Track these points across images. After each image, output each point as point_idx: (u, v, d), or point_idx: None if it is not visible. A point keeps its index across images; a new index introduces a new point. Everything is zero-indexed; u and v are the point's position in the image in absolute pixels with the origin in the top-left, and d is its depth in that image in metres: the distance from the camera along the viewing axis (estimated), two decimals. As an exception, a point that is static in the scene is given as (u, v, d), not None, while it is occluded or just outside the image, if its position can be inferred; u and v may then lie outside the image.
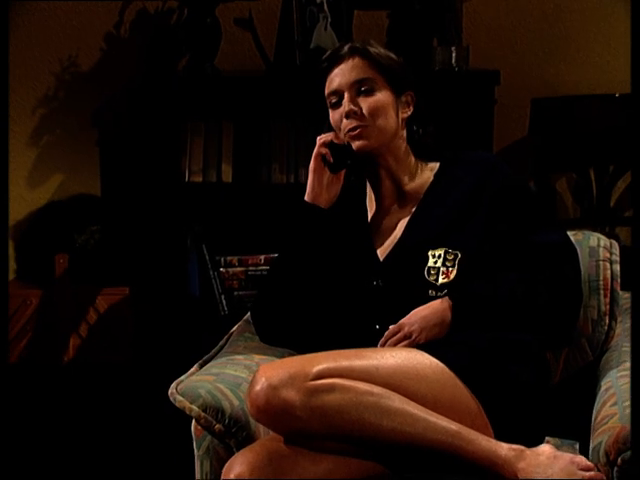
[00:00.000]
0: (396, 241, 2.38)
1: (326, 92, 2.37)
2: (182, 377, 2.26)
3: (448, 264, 2.29)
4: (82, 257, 3.38)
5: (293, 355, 2.37)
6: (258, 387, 2.01)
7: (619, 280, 2.48)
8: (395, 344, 2.23)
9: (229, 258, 3.51)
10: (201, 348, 3.32)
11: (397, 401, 2.03)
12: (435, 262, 2.30)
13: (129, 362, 3.42)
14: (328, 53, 2.40)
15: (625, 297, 2.51)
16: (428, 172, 2.43)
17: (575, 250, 2.33)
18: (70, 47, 3.59)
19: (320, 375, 2.02)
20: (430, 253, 2.31)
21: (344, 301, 2.36)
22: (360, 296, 2.35)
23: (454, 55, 3.54)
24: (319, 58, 3.52)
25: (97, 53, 3.61)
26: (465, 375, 2.13)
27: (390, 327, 2.26)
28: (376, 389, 2.03)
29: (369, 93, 2.33)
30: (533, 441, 2.13)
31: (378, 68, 2.33)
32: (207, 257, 3.47)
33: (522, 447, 2.06)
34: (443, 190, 2.38)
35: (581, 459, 2.01)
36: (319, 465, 2.02)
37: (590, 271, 2.47)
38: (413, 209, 2.39)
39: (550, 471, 2.00)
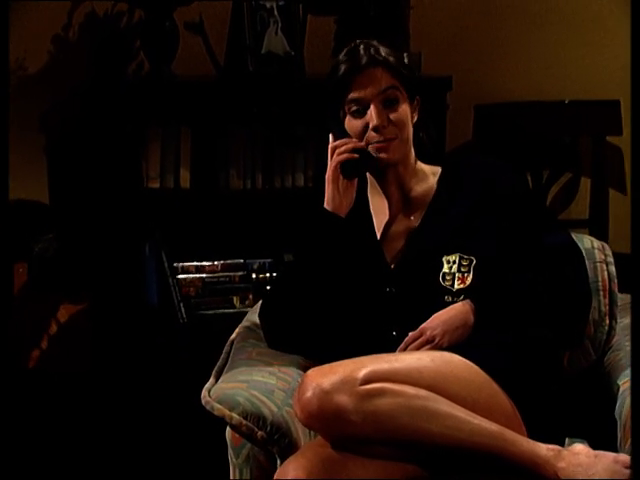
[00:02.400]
0: (407, 247, 2.39)
1: (347, 98, 2.34)
2: (208, 385, 2.22)
3: (463, 269, 2.31)
4: (41, 266, 3.28)
5: (307, 361, 2.37)
6: (309, 393, 1.99)
7: (616, 281, 2.55)
8: (417, 349, 2.24)
9: (186, 265, 3.46)
10: (158, 355, 3.33)
11: (444, 404, 2.05)
12: (450, 268, 2.32)
13: (89, 372, 3.33)
14: (345, 64, 2.34)
15: (620, 297, 2.58)
16: (432, 177, 2.45)
17: (581, 251, 2.39)
18: (17, 50, 3.48)
19: (368, 379, 2.02)
20: (445, 259, 2.33)
21: (358, 308, 2.36)
22: (373, 303, 2.35)
23: (406, 62, 3.56)
24: (271, 63, 3.61)
25: (45, 56, 3.51)
26: (499, 376, 2.15)
27: (410, 333, 2.27)
28: (423, 392, 2.04)
29: (394, 104, 2.32)
30: (557, 440, 2.18)
31: (399, 78, 2.33)
32: (166, 264, 3.41)
33: (559, 447, 2.09)
34: (450, 195, 2.40)
35: (625, 457, 2.04)
36: (367, 469, 2.02)
37: (589, 273, 2.53)
38: (421, 215, 2.41)
39: (592, 470, 2.04)
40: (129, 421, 3.34)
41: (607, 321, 2.52)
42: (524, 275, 2.30)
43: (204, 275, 3.48)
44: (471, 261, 2.32)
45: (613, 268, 2.57)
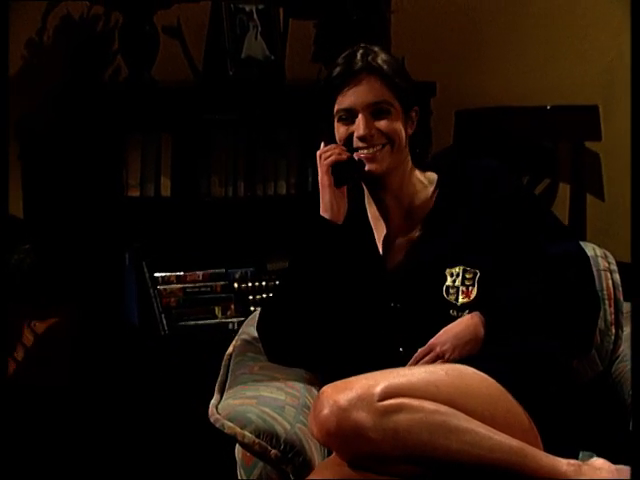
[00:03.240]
0: (408, 259, 2.32)
1: (336, 108, 2.26)
2: (214, 402, 2.14)
3: (467, 283, 2.25)
4: (17, 277, 3.17)
5: (311, 375, 2.30)
6: (327, 410, 1.92)
7: (621, 289, 2.51)
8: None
9: (167, 275, 3.38)
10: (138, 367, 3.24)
11: (463, 420, 1.98)
12: (454, 281, 2.26)
13: (67, 385, 3.23)
14: (340, 67, 2.27)
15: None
16: (429, 185, 2.38)
17: (588, 258, 2.34)
18: (-11, 54, 3.37)
19: (386, 395, 1.95)
20: (448, 272, 2.27)
21: (361, 322, 2.30)
22: (378, 318, 2.29)
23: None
24: (251, 68, 3.54)
25: (18, 61, 3.40)
26: (514, 388, 2.10)
27: (420, 349, 2.21)
28: (442, 408, 1.98)
29: (384, 115, 2.24)
30: (572, 453, 2.13)
31: (393, 88, 2.25)
32: (147, 275, 3.32)
33: (579, 462, 2.04)
34: (450, 206, 2.34)
35: (647, 470, 2.00)
36: (386, 488, 1.96)
37: (593, 281, 2.49)
38: (421, 227, 2.34)
39: (615, 485, 2.00)
40: (107, 435, 3.24)
41: (613, 330, 2.48)
42: (534, 284, 2.24)
43: (185, 285, 3.40)
44: (475, 274, 2.26)
45: (617, 276, 2.53)
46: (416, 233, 2.33)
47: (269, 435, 1.99)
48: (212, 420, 2.05)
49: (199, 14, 3.56)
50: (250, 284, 3.45)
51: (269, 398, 2.12)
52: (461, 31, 3.92)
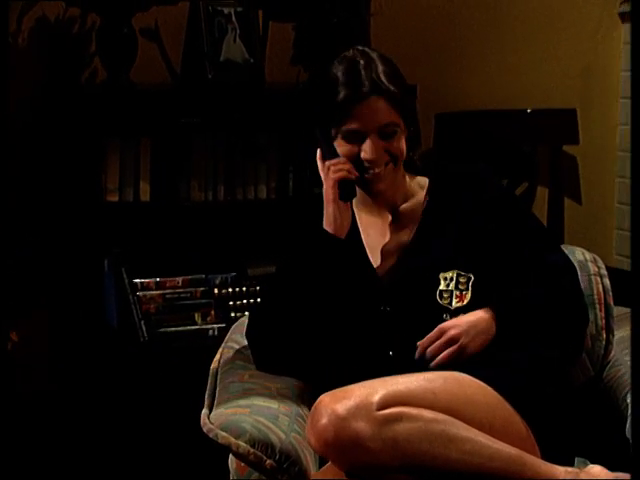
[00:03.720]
0: (400, 264, 2.29)
1: (342, 128, 2.21)
2: (205, 411, 2.10)
3: (461, 287, 2.23)
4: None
5: (301, 383, 2.26)
6: (325, 420, 1.89)
7: (611, 294, 2.50)
8: (439, 350, 2.13)
9: (146, 281, 3.33)
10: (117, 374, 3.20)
11: (462, 429, 1.96)
12: (447, 285, 2.24)
13: (47, 390, 3.18)
14: (346, 90, 2.19)
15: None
16: (419, 190, 2.36)
17: (575, 267, 2.34)
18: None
19: (385, 403, 1.93)
20: (442, 276, 2.24)
21: (351, 327, 2.26)
22: (368, 322, 2.25)
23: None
24: (230, 71, 3.49)
25: (-7, 63, 3.34)
26: (512, 396, 2.07)
27: (427, 336, 2.15)
28: (441, 416, 1.96)
29: (392, 137, 2.21)
30: (568, 460, 2.11)
31: (400, 109, 2.22)
32: (126, 281, 3.27)
33: (576, 469, 2.03)
34: (441, 210, 2.32)
35: (647, 478, 1.98)
36: (382, 499, 1.92)
37: (583, 286, 2.47)
38: (413, 230, 2.31)
39: (612, 493, 1.98)
40: (87, 441, 3.19)
41: (604, 335, 2.46)
42: (538, 291, 2.22)
43: (164, 291, 3.35)
44: (469, 278, 2.23)
45: (607, 280, 2.51)
46: (407, 237, 2.30)
47: (264, 445, 1.96)
48: (205, 430, 2.01)
49: (177, 16, 3.51)
50: (230, 290, 3.40)
51: (262, 407, 2.08)
52: (441, 34, 3.90)
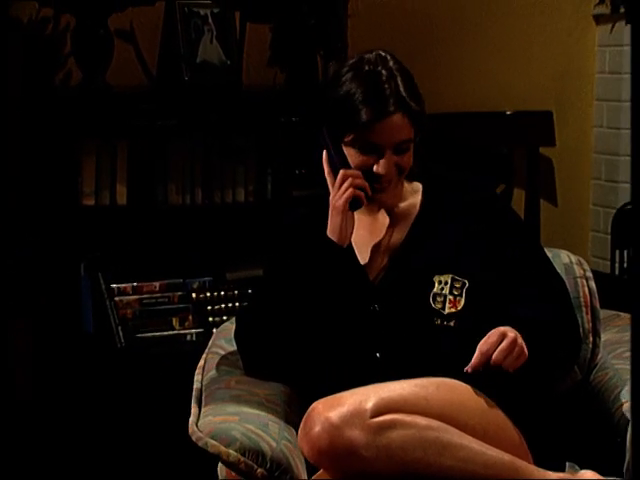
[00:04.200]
0: (392, 264, 2.26)
1: (360, 139, 2.16)
2: (193, 419, 2.06)
3: (455, 292, 2.20)
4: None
5: (288, 388, 2.23)
6: (318, 428, 1.86)
7: (597, 296, 2.48)
8: (506, 353, 2.04)
9: (123, 286, 3.28)
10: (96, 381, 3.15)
11: (456, 435, 1.94)
12: (442, 289, 2.20)
13: (29, 399, 3.13)
14: (371, 107, 2.13)
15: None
16: (414, 193, 2.33)
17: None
18: None
19: (378, 410, 1.90)
20: (436, 279, 2.21)
21: (339, 327, 2.23)
22: (356, 322, 2.22)
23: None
24: (206, 73, 3.45)
25: (-35, 65, 3.28)
26: (507, 404, 2.05)
27: (485, 342, 2.05)
28: (434, 423, 1.93)
29: (405, 152, 2.19)
30: (559, 465, 2.10)
31: (416, 125, 2.19)
32: (103, 286, 3.23)
33: (568, 475, 2.01)
34: (436, 213, 2.29)
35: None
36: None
37: (570, 289, 2.45)
38: (405, 231, 2.29)
39: (604, 497, 1.97)
40: (67, 448, 3.15)
41: (591, 338, 2.44)
42: (556, 305, 2.21)
43: (141, 296, 3.30)
44: (464, 284, 2.20)
45: (593, 283, 2.49)
46: (399, 237, 2.27)
47: (255, 453, 1.92)
48: (194, 438, 1.97)
49: (152, 18, 3.47)
50: (208, 294, 3.36)
51: (251, 414, 2.04)
52: (417, 37, 3.89)
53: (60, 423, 3.14)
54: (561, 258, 2.52)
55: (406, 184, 2.32)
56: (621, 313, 2.64)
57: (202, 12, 3.48)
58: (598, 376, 2.40)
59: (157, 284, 3.32)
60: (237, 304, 3.37)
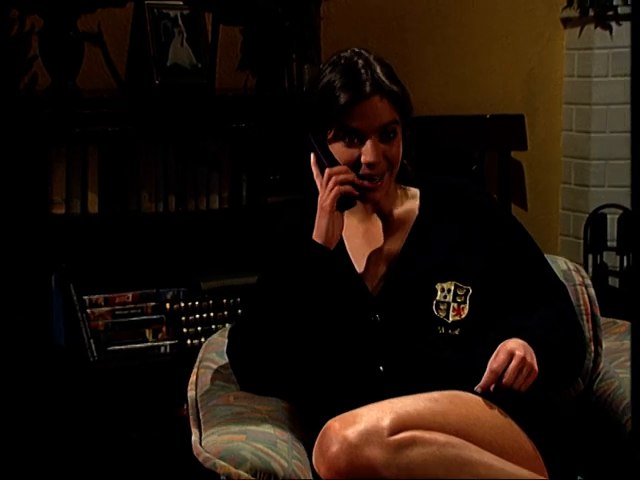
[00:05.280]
0: (390, 272, 2.18)
1: (343, 126, 2.09)
2: (195, 438, 1.96)
3: (459, 300, 2.13)
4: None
5: (287, 403, 2.14)
6: (336, 447, 1.78)
7: (597, 304, 2.43)
8: (516, 374, 1.96)
9: (94, 297, 3.17)
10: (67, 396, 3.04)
11: (474, 452, 1.86)
12: (445, 296, 2.13)
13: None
14: (348, 92, 2.08)
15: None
16: (411, 199, 2.26)
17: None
18: None
19: (396, 428, 1.82)
20: (439, 286, 2.14)
21: (339, 340, 2.15)
22: (356, 334, 2.14)
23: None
24: (177, 76, 3.35)
25: None
26: (522, 417, 1.98)
27: (495, 360, 1.98)
28: (453, 439, 1.86)
29: (391, 139, 2.11)
30: (571, 479, 2.04)
31: (399, 109, 2.12)
32: (75, 298, 3.11)
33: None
34: (434, 220, 2.21)
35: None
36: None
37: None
38: (403, 238, 2.21)
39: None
40: (37, 463, 3.03)
41: (592, 347, 2.38)
42: (560, 312, 2.15)
43: (114, 307, 3.19)
44: (467, 291, 2.13)
45: (592, 290, 2.44)
46: (398, 245, 2.20)
47: (266, 474, 1.84)
48: (201, 459, 1.88)
49: (121, 19, 3.37)
50: (183, 304, 3.26)
51: (258, 432, 1.95)
52: (387, 41, 3.82)
53: (31, 439, 3.02)
54: (559, 265, 2.46)
55: (400, 189, 2.24)
56: (617, 320, 2.59)
57: (172, 14, 3.38)
58: (602, 386, 2.34)
59: (130, 295, 3.21)
60: (212, 314, 3.28)
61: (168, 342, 3.23)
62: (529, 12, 4.13)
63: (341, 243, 2.20)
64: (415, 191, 2.27)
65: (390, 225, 2.23)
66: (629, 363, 2.25)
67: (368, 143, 2.08)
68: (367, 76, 2.09)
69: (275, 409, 2.09)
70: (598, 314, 2.42)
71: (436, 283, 2.14)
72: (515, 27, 4.10)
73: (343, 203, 2.12)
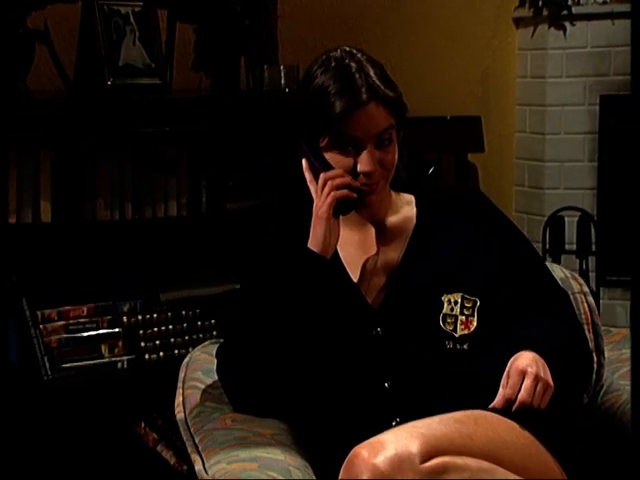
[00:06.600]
0: (390, 283, 2.05)
1: (340, 137, 1.97)
2: (199, 467, 1.81)
3: (467, 312, 2.01)
4: None
5: (284, 424, 2.00)
6: (366, 476, 1.64)
7: (597, 312, 2.34)
8: (531, 393, 1.86)
9: (47, 312, 2.98)
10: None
11: (504, 476, 1.75)
12: (452, 309, 2.01)
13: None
14: (341, 95, 1.96)
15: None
16: (405, 205, 2.14)
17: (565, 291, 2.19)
18: None
19: (427, 453, 1.69)
20: (445, 298, 2.02)
21: (340, 356, 2.01)
22: (358, 349, 2.01)
23: (282, 75, 3.26)
24: (130, 77, 3.18)
25: None
26: (546, 436, 1.88)
27: (507, 385, 1.88)
28: (485, 464, 1.74)
29: (387, 145, 1.99)
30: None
31: (395, 113, 2.00)
32: (27, 313, 2.92)
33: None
34: (433, 228, 2.10)
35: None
36: None
37: (569, 305, 2.30)
38: (402, 248, 2.08)
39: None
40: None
41: (595, 357, 2.29)
42: (566, 321, 2.05)
43: (68, 322, 3.01)
44: (475, 303, 2.02)
45: (591, 298, 2.35)
46: (396, 254, 2.07)
47: (286, 506, 1.69)
48: (213, 494, 1.72)
49: (69, 17, 3.19)
50: (140, 317, 3.09)
51: (269, 459, 1.81)
52: (343, 40, 3.66)
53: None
54: (556, 273, 2.36)
55: (395, 195, 2.12)
56: (611, 328, 2.51)
57: (123, 11, 3.21)
58: (609, 399, 2.25)
59: (85, 308, 3.04)
60: (171, 327, 3.12)
61: (125, 357, 3.07)
62: (481, 12, 4.08)
63: (335, 253, 2.07)
64: (409, 197, 2.15)
65: (386, 233, 2.11)
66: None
67: (364, 152, 1.96)
68: (362, 81, 1.97)
69: (278, 432, 1.95)
70: (599, 323, 2.33)
71: (442, 295, 2.02)
72: (469, 27, 4.03)
73: (340, 208, 2.00)
